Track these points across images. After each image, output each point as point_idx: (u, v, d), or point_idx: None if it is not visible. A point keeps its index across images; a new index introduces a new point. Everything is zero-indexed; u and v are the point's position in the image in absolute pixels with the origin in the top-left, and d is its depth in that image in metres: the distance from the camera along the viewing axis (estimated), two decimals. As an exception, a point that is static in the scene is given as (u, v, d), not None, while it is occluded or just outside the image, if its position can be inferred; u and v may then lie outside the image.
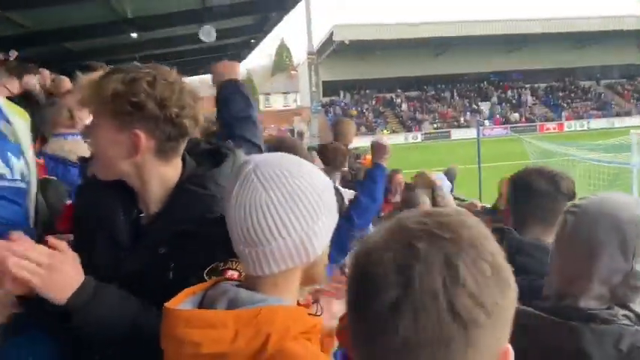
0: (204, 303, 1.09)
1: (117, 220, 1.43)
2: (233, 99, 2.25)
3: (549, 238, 1.73)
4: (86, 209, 1.51)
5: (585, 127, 43.19)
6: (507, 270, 0.74)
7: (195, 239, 1.33)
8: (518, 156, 14.45)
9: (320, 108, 42.52)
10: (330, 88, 48.11)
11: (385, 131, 44.02)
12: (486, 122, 44.11)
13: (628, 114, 46.96)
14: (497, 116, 47.09)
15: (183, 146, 1.42)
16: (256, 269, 1.07)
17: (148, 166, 1.38)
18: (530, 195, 1.84)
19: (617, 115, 46.83)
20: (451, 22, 45.74)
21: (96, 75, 1.40)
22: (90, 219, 1.48)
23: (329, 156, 4.11)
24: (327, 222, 1.09)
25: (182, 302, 1.08)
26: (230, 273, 1.31)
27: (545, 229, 1.82)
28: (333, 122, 6.02)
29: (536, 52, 48.39)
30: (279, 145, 3.01)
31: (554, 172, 1.87)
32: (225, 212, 1.09)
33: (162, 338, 1.05)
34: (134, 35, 12.30)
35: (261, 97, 73.13)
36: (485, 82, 51.97)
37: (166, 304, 1.06)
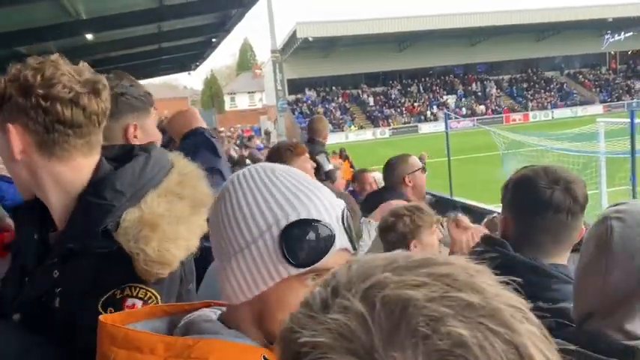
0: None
1: (28, 241, 1.25)
2: (198, 152, 1.95)
3: (555, 259, 1.52)
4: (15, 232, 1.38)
5: (550, 117, 44.00)
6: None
7: (83, 259, 1.14)
8: (487, 147, 14.50)
9: (286, 106, 42.32)
10: (296, 86, 47.90)
11: (353, 127, 44.08)
12: (453, 115, 44.51)
13: (590, 103, 48.02)
14: (463, 109, 47.60)
15: (78, 142, 1.19)
16: (226, 294, 0.91)
17: (38, 166, 1.18)
18: (543, 207, 1.51)
19: (580, 104, 47.85)
20: (413, 16, 45.88)
21: None
22: (12, 242, 1.39)
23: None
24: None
25: (143, 321, 0.92)
26: (130, 302, 1.12)
27: (554, 248, 1.54)
28: (309, 121, 5.83)
29: (498, 44, 49.07)
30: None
31: (568, 177, 1.52)
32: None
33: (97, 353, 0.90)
34: (89, 37, 11.88)
35: (226, 97, 72.59)
36: (450, 75, 52.47)
37: (102, 317, 0.88)
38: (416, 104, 48.53)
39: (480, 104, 48.61)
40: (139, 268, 1.11)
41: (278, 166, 0.93)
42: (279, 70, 40.04)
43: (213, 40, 18.05)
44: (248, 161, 10.77)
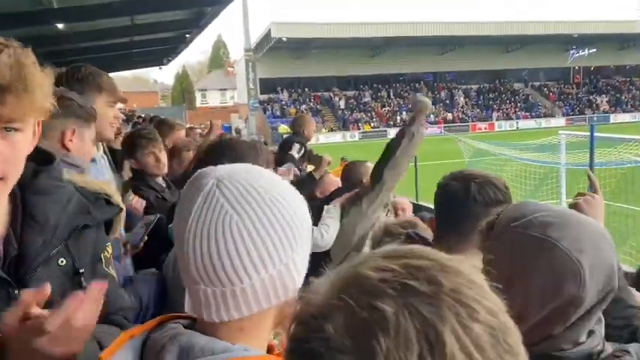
0: (147, 349, 0.87)
1: None
2: None
3: (464, 251, 1.61)
4: None
5: (514, 128, 44.99)
6: (513, 333, 0.53)
7: (89, 230, 1.26)
8: (453, 155, 14.78)
9: (258, 105, 42.22)
10: (268, 86, 47.78)
11: (324, 130, 44.24)
12: (421, 122, 45.03)
13: (553, 115, 49.30)
14: (431, 116, 48.25)
15: None
16: (220, 314, 0.84)
17: None
18: (444, 200, 1.67)
19: (544, 116, 49.07)
20: (387, 22, 46.41)
21: None
22: None
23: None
24: (305, 247, 0.89)
25: (119, 349, 0.86)
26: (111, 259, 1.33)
27: (459, 240, 1.62)
28: (293, 118, 6.24)
29: (468, 55, 49.94)
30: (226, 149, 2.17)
31: (472, 175, 1.63)
32: (176, 239, 0.87)
33: None
34: (60, 26, 11.69)
35: (197, 94, 71.89)
36: (420, 82, 53.14)
37: (101, 355, 0.85)
38: (385, 109, 49.01)
39: (448, 112, 49.38)
40: (117, 227, 1.32)
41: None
42: (251, 69, 39.91)
43: (187, 35, 17.93)
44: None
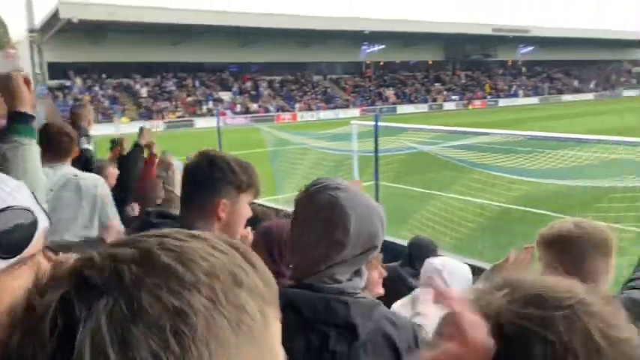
0: None
1: None
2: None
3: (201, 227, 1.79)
4: None
5: (315, 118, 47.43)
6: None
7: None
8: (258, 144, 15.14)
9: (47, 92, 38.30)
10: (58, 71, 43.61)
11: (124, 119, 41.94)
12: (228, 112, 45.37)
13: (349, 106, 53.07)
14: (238, 106, 48.65)
15: None
16: None
17: None
18: (191, 178, 1.90)
19: (341, 107, 52.57)
20: (189, 10, 45.21)
21: None
22: None
23: (53, 140, 3.14)
24: None
25: None
26: None
27: (200, 217, 1.84)
28: (71, 109, 5.64)
29: (270, 47, 51.21)
30: None
31: (216, 154, 1.89)
32: None
33: None
34: None
35: (-29, 78, 62.80)
36: (226, 72, 53.11)
37: None
38: (191, 98, 48.08)
39: (254, 102, 50.22)
40: None
41: None
42: (37, 51, 36.08)
43: (-47, 10, 15.58)
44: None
